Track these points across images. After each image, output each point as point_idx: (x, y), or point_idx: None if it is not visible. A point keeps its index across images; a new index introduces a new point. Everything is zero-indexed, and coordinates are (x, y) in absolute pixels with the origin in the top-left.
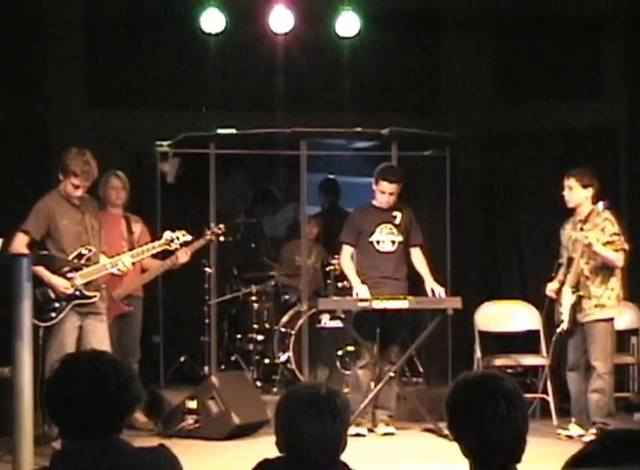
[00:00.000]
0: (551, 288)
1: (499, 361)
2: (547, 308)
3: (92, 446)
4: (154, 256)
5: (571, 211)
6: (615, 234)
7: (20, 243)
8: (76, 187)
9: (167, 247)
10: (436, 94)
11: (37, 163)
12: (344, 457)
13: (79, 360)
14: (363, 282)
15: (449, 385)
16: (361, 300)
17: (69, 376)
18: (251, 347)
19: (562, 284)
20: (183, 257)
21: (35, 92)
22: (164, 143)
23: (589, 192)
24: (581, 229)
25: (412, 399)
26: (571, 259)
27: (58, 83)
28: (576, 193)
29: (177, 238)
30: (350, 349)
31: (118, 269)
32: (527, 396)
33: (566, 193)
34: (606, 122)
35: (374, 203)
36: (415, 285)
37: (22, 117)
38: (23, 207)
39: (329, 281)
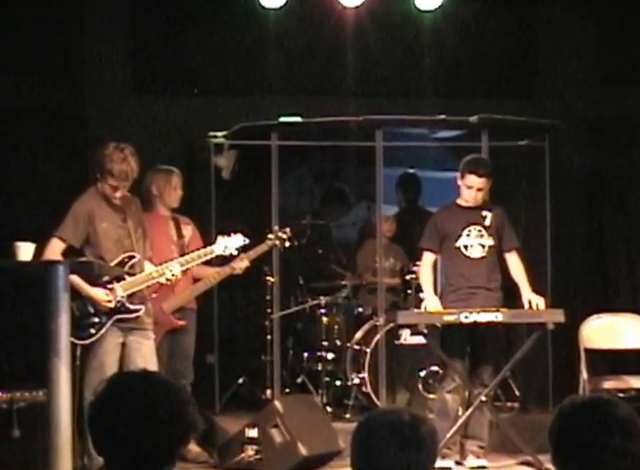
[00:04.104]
0: None
1: (608, 384)
2: None
3: None
4: (208, 263)
5: None
6: None
7: (54, 250)
8: (115, 188)
9: (222, 253)
10: (533, 76)
11: (76, 157)
12: None
13: (127, 382)
14: (452, 293)
15: (551, 411)
16: (448, 313)
17: (116, 400)
18: (319, 367)
19: None
20: (242, 264)
21: (74, 77)
22: (219, 134)
23: None
24: None
25: (507, 426)
26: None
27: (99, 67)
28: None
29: (234, 243)
30: (435, 369)
31: (166, 279)
32: None
33: None
34: None
35: (459, 202)
36: (510, 296)
37: (58, 106)
38: (60, 206)
39: (409, 291)
